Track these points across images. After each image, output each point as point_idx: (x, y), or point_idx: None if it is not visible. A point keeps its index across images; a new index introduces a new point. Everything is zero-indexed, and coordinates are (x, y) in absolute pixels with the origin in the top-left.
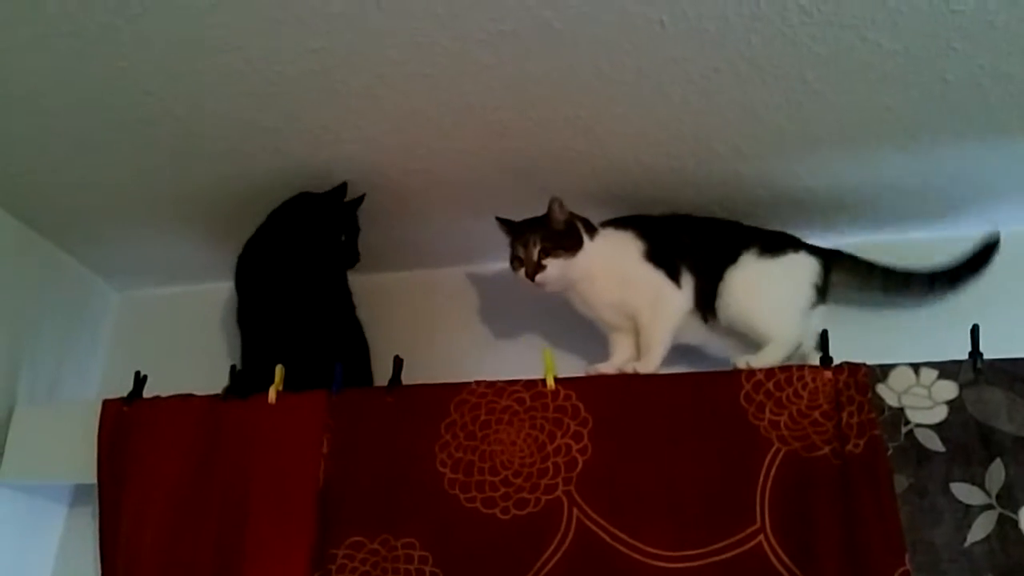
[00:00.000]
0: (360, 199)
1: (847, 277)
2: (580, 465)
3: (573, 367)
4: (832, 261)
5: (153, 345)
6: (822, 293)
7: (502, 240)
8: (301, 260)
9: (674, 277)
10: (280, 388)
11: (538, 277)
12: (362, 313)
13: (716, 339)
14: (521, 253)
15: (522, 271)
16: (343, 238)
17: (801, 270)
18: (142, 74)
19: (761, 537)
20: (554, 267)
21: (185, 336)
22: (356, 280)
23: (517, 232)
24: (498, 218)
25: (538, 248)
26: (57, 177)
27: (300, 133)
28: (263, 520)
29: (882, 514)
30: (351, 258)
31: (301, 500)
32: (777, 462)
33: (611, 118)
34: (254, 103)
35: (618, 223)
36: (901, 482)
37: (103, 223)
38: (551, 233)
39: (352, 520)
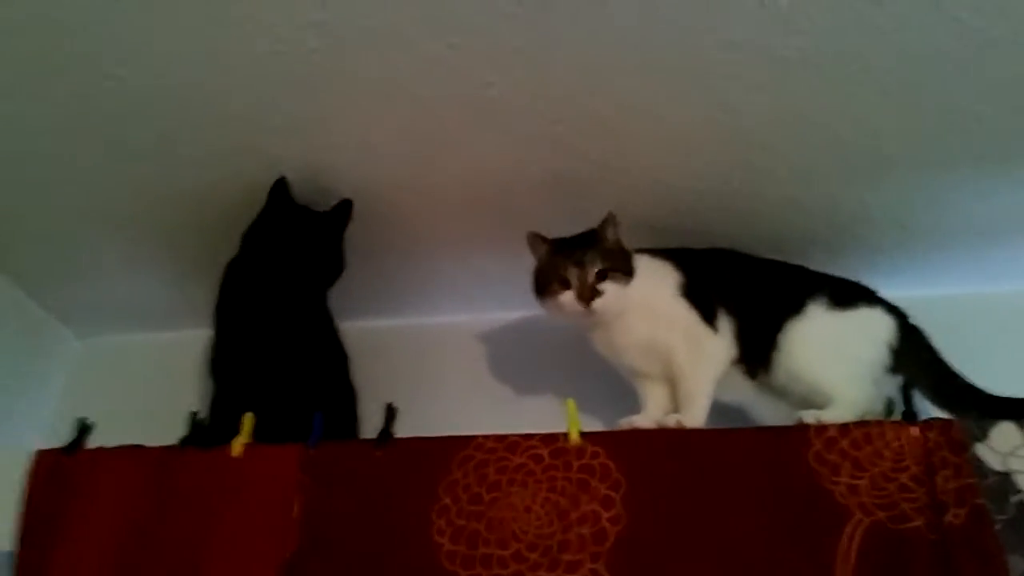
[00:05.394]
0: (349, 209)
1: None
2: (611, 538)
3: (594, 426)
4: (906, 324)
5: (111, 397)
6: (897, 357)
7: (514, 283)
8: (295, 283)
9: (709, 320)
10: (249, 439)
11: (595, 303)
12: (353, 365)
13: (762, 398)
14: (570, 275)
15: (566, 295)
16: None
17: (877, 327)
18: (103, 53)
19: None
20: (612, 293)
21: (147, 388)
22: (346, 328)
23: (563, 250)
24: (531, 233)
25: (596, 270)
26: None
27: (291, 133)
28: None
29: None
30: (339, 268)
31: (264, 573)
32: (859, 535)
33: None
34: (240, 94)
35: (654, 252)
36: (1017, 564)
37: (60, 256)
38: (608, 253)
39: None
